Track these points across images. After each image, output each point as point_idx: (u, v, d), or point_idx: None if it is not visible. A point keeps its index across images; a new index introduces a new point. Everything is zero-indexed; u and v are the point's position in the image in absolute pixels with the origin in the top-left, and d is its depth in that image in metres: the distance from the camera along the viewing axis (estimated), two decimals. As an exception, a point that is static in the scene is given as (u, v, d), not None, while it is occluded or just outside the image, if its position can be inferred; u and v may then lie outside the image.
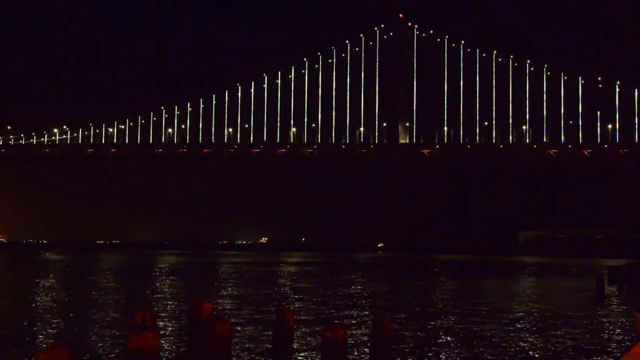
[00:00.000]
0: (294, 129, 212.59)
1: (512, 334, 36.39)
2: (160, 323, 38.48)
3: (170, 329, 37.09)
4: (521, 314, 46.07)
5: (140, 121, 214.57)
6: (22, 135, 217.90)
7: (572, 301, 56.49)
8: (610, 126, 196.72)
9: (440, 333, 36.70)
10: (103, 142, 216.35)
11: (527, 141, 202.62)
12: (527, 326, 39.87)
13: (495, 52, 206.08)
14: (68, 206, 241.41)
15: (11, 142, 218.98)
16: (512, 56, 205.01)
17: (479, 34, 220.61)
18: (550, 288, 72.12)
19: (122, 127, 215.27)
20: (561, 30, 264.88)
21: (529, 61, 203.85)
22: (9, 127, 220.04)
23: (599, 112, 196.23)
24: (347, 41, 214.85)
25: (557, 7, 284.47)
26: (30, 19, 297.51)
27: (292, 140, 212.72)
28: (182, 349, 30.11)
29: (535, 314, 45.80)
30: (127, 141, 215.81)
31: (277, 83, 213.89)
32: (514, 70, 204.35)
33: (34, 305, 48.01)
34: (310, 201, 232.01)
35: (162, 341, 29.79)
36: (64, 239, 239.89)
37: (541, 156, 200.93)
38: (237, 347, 30.61)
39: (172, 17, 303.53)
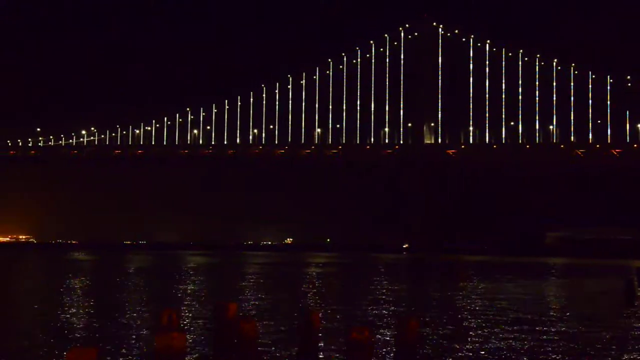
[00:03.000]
0: (319, 130, 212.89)
1: (538, 337, 36.05)
2: (186, 323, 38.73)
3: (196, 329, 37.31)
4: (548, 316, 45.62)
5: (166, 122, 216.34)
6: (50, 137, 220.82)
7: (601, 303, 55.85)
8: (639, 125, 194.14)
9: (466, 334, 36.48)
10: (130, 143, 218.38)
11: (554, 141, 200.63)
12: (555, 329, 39.47)
13: (521, 51, 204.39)
14: (96, 207, 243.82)
15: (40, 144, 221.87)
16: (538, 55, 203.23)
17: (505, 33, 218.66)
18: (578, 290, 71.35)
19: (149, 128, 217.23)
20: (589, 29, 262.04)
21: (555, 60, 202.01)
22: (38, 129, 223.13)
23: (627, 111, 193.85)
24: (371, 41, 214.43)
25: (584, 5, 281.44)
26: (59, 22, 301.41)
27: (316, 141, 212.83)
28: (207, 349, 30.26)
29: (564, 317, 45.34)
30: (153, 142, 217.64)
31: (302, 84, 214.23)
32: (540, 69, 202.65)
33: (62, 305, 48.57)
34: (335, 202, 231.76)
35: (188, 341, 29.97)
36: (92, 240, 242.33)
37: (568, 156, 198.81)
38: (263, 347, 30.68)
39: (198, 18, 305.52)
